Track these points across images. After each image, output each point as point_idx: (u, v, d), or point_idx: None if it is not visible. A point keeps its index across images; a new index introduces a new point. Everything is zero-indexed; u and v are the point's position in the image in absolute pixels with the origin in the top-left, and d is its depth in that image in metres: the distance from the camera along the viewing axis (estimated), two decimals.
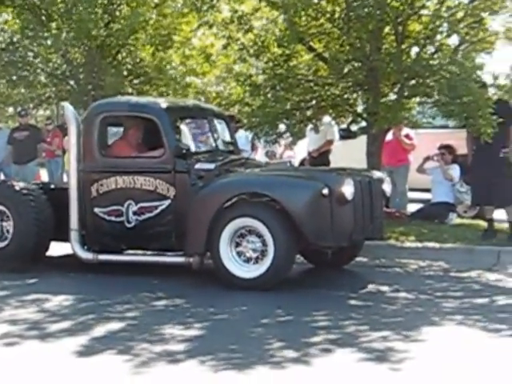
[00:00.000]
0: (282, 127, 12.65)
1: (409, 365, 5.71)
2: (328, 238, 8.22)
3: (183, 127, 9.59)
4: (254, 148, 12.73)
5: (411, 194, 13.54)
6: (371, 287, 8.55)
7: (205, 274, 8.78)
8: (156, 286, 8.55)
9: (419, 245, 10.46)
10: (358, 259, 9.77)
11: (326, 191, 8.07)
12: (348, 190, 8.22)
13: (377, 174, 9.42)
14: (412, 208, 13.16)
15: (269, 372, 5.54)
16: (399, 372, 5.54)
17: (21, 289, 8.49)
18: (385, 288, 8.42)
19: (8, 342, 6.36)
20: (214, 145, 9.71)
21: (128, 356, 5.92)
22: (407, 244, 10.55)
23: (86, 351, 6.09)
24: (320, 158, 13.34)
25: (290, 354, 5.94)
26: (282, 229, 8.12)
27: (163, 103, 9.38)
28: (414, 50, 11.93)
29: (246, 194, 8.35)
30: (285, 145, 13.85)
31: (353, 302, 7.84)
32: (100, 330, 6.69)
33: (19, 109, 15.84)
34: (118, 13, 14.53)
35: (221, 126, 9.99)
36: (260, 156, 12.26)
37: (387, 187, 9.21)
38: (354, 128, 14.16)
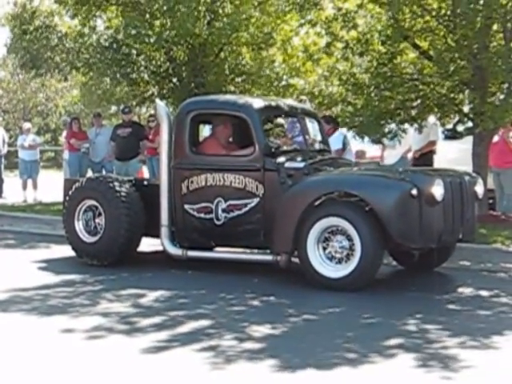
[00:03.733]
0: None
1: (466, 373, 5.37)
2: (416, 239, 8.01)
3: (278, 125, 9.48)
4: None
5: None
6: (470, 291, 8.31)
7: (294, 272, 8.68)
8: (250, 284, 8.50)
9: None
10: (461, 263, 9.55)
11: (414, 192, 7.86)
12: (438, 190, 7.98)
13: (469, 175, 9.09)
14: None
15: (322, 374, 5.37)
16: (448, 381, 5.22)
17: (117, 283, 8.55)
18: (484, 293, 8.18)
19: (95, 335, 6.35)
20: (304, 144, 9.55)
21: (210, 353, 5.84)
22: None
23: (169, 346, 6.05)
24: (422, 158, 13.01)
25: (363, 356, 5.74)
26: (370, 229, 7.94)
27: (253, 102, 9.32)
28: None
29: (334, 193, 8.19)
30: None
31: (451, 306, 7.60)
32: (188, 327, 6.64)
33: (122, 106, 16.05)
34: (220, 11, 14.57)
35: (312, 125, 9.89)
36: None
37: (480, 189, 8.86)
38: (460, 128, 13.77)
